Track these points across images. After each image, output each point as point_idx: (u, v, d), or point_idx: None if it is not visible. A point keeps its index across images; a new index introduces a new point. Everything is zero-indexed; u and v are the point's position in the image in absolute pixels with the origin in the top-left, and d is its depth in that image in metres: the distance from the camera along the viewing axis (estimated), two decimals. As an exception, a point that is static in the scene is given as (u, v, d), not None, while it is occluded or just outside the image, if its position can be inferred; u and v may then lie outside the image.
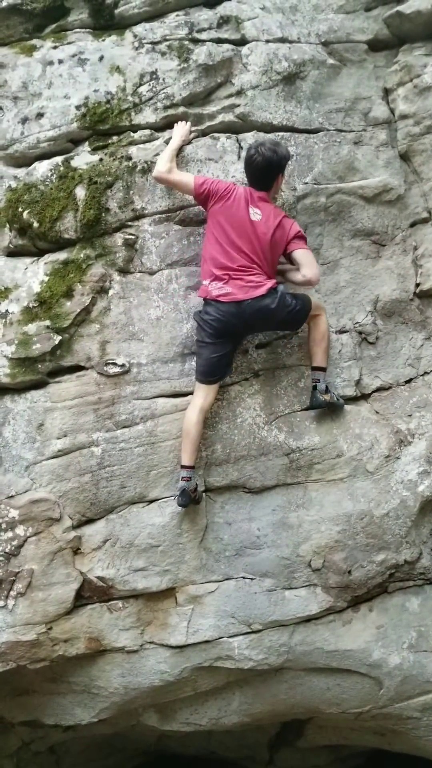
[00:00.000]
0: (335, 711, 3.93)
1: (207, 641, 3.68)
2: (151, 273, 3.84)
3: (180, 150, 3.84)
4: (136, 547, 3.64)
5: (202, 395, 3.61)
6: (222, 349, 3.60)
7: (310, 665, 3.77)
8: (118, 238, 3.83)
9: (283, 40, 4.00)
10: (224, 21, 3.99)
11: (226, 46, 3.95)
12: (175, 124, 3.87)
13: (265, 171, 3.60)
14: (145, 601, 3.70)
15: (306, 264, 3.60)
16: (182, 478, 3.57)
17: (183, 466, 3.60)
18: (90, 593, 3.66)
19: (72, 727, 4.06)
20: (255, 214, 3.57)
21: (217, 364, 3.61)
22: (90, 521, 3.68)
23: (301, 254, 3.61)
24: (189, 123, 3.88)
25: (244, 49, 3.96)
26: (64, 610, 3.61)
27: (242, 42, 3.99)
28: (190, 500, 3.58)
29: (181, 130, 3.83)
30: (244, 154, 3.85)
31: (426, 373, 4.01)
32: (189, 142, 3.86)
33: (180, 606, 3.68)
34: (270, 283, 3.55)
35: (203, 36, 3.96)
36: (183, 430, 3.59)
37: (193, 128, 3.91)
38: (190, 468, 3.59)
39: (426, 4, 4.00)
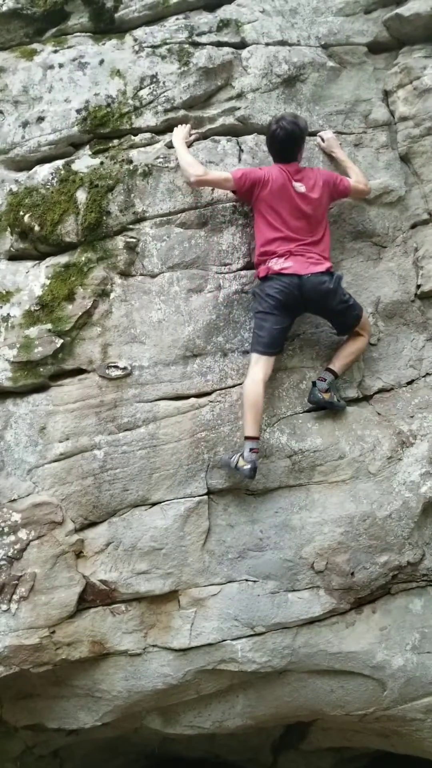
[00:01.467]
0: (339, 713, 3.92)
1: (210, 644, 3.67)
2: (153, 276, 3.84)
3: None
4: (138, 550, 3.64)
5: (263, 367, 3.62)
6: (283, 321, 3.64)
7: (314, 667, 3.76)
8: (120, 241, 3.84)
9: (282, 43, 4.02)
10: (224, 24, 4.01)
11: (226, 49, 3.97)
12: (175, 128, 3.88)
13: (289, 143, 3.66)
14: (148, 604, 3.69)
15: (358, 176, 3.83)
16: (251, 450, 3.53)
17: (249, 438, 3.55)
18: (93, 596, 3.65)
19: (75, 730, 4.05)
20: (299, 187, 3.63)
21: (278, 336, 3.65)
22: (92, 524, 3.68)
23: (352, 176, 3.82)
24: (188, 125, 3.88)
25: (244, 52, 3.98)
26: (67, 614, 3.60)
27: (242, 45, 4.01)
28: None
29: (180, 132, 3.84)
30: (244, 156, 3.88)
31: (428, 374, 4.01)
32: (190, 145, 3.87)
33: (183, 609, 3.68)
34: (328, 264, 3.66)
35: (203, 39, 3.98)
36: (248, 402, 3.57)
37: (194, 131, 3.92)
38: (256, 439, 3.57)
39: (425, 6, 4.03)
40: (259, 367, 3.62)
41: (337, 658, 3.73)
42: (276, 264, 3.61)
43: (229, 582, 3.69)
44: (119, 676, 3.75)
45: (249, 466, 3.53)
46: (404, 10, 4.07)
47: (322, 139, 3.95)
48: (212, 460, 3.68)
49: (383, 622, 3.76)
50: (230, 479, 3.71)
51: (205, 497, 3.70)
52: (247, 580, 3.69)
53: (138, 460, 3.66)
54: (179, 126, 3.88)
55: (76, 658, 3.66)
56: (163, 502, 3.68)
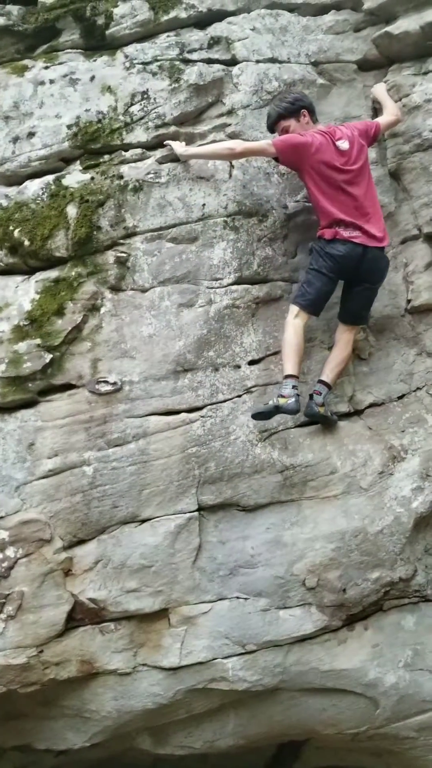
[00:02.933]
0: (332, 732, 3.87)
1: (201, 663, 3.62)
2: (144, 290, 3.83)
3: (173, 168, 3.87)
4: (128, 568, 3.60)
5: (303, 319, 3.68)
6: (332, 286, 3.72)
7: (306, 685, 3.72)
8: (110, 256, 3.83)
9: (273, 60, 4.06)
10: (215, 42, 4.04)
11: (217, 66, 4.00)
12: (172, 143, 3.89)
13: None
14: (138, 623, 3.64)
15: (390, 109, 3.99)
16: (293, 387, 3.53)
17: (290, 376, 3.56)
18: (82, 615, 3.60)
19: (64, 751, 3.98)
20: (342, 143, 3.70)
21: (324, 298, 3.72)
22: (81, 542, 3.63)
23: (384, 113, 4.00)
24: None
25: (235, 69, 4.01)
26: (55, 633, 3.55)
27: (233, 62, 4.04)
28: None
29: (179, 144, 3.88)
30: (235, 172, 3.89)
31: (418, 388, 4.02)
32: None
33: (173, 627, 3.63)
34: (387, 241, 3.76)
35: (194, 56, 4.01)
36: (288, 344, 3.62)
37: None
38: (296, 377, 3.58)
39: (414, 25, 4.07)
40: (299, 318, 3.68)
41: (329, 676, 3.69)
42: (345, 231, 3.66)
43: (220, 599, 3.65)
44: (108, 695, 3.69)
45: (293, 400, 3.50)
46: (393, 29, 4.12)
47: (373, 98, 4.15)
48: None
49: (375, 639, 3.73)
50: (222, 495, 3.68)
51: (196, 513, 3.67)
52: (238, 598, 3.66)
53: (128, 476, 3.63)
54: (173, 142, 3.88)
55: (65, 677, 3.60)
56: (154, 518, 3.64)
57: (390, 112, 3.98)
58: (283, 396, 3.55)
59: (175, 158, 3.92)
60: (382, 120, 3.95)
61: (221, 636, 3.63)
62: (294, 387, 3.57)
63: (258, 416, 3.64)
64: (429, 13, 4.06)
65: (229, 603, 3.65)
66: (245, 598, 3.66)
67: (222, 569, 3.66)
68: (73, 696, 3.71)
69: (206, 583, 3.65)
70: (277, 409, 3.56)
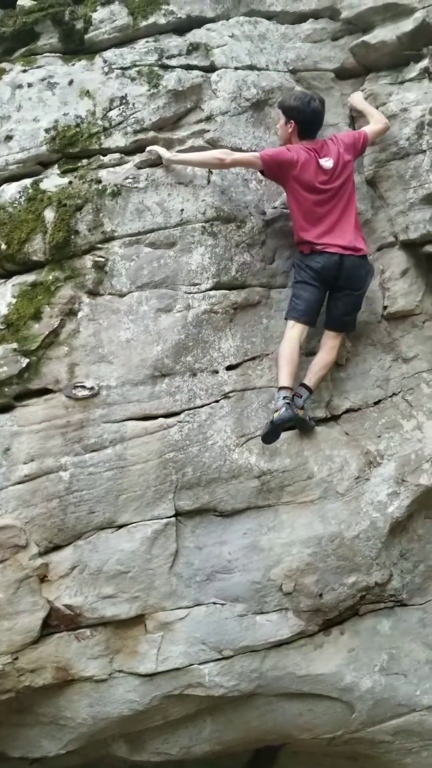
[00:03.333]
0: (308, 736, 3.89)
1: (177, 668, 3.62)
2: (121, 295, 3.82)
3: (151, 173, 3.87)
4: (104, 574, 3.58)
5: (298, 331, 3.75)
6: (319, 294, 3.80)
7: (282, 690, 3.73)
8: (88, 261, 3.81)
9: (251, 67, 4.07)
10: (194, 48, 4.05)
11: (196, 72, 4.01)
12: (154, 148, 3.87)
13: (320, 121, 3.84)
14: (114, 629, 3.63)
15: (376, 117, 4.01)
16: (283, 398, 3.62)
17: (282, 387, 3.66)
18: (57, 621, 3.58)
19: (39, 759, 3.94)
20: (326, 162, 3.75)
21: (314, 306, 3.79)
22: (57, 548, 3.60)
23: (370, 122, 4.00)
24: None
25: (214, 76, 4.02)
26: (30, 640, 3.52)
27: (211, 69, 4.05)
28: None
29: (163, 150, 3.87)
30: (214, 178, 3.90)
31: (394, 394, 4.06)
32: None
33: (150, 633, 3.62)
34: (366, 250, 3.82)
35: (173, 62, 4.01)
36: (283, 357, 3.72)
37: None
38: (289, 388, 3.66)
39: (390, 34, 4.12)
40: (295, 330, 3.75)
41: (305, 681, 3.70)
42: (319, 245, 3.76)
43: (197, 605, 3.65)
44: (84, 702, 3.67)
45: (283, 409, 3.58)
46: (370, 38, 4.16)
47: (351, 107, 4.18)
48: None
49: (351, 643, 3.75)
50: (199, 500, 3.68)
51: (173, 519, 3.66)
52: (215, 603, 3.66)
53: (105, 481, 3.61)
54: (155, 147, 3.87)
55: (40, 684, 3.58)
56: (130, 524, 3.63)
57: (377, 119, 4.00)
58: (276, 410, 3.63)
59: (153, 163, 3.92)
60: (370, 129, 3.96)
61: (198, 642, 3.62)
62: (285, 398, 3.64)
63: (266, 438, 3.68)
64: (405, 23, 4.11)
65: (206, 608, 3.65)
66: (222, 604, 3.66)
67: (199, 575, 3.66)
68: (48, 703, 3.68)
69: (183, 588, 3.65)
70: (273, 424, 3.62)
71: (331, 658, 3.71)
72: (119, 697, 3.64)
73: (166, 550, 3.63)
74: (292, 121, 3.80)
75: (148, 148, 3.90)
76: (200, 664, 3.62)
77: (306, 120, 3.80)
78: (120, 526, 3.64)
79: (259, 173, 3.90)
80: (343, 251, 3.75)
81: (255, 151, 3.96)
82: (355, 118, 4.20)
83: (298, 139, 3.83)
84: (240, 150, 3.96)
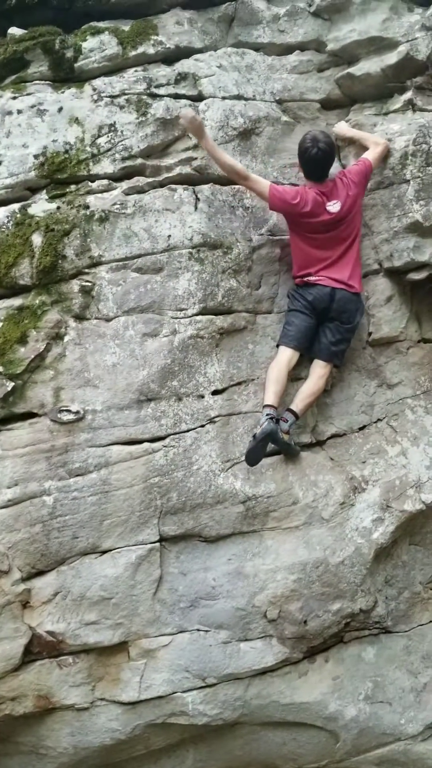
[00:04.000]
0: (292, 766, 3.85)
1: (160, 697, 3.58)
2: (108, 320, 3.84)
3: (139, 200, 3.91)
4: (87, 600, 3.55)
5: (287, 356, 3.85)
6: (310, 322, 3.88)
7: (266, 719, 3.69)
8: (75, 285, 3.83)
9: (239, 97, 4.14)
10: (182, 78, 4.11)
11: (184, 101, 4.06)
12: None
13: (325, 163, 3.83)
14: (97, 656, 3.59)
15: (372, 140, 4.03)
16: (267, 414, 3.68)
17: (266, 405, 3.73)
18: (39, 648, 3.54)
19: (19, 790, 3.88)
20: (333, 206, 3.81)
21: (304, 333, 3.88)
22: (40, 573, 3.57)
23: (369, 147, 4.02)
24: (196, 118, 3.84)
25: (201, 105, 4.08)
26: (11, 667, 3.48)
27: (199, 98, 4.11)
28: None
29: (192, 128, 3.82)
30: (201, 204, 3.93)
31: (379, 420, 4.08)
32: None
33: (133, 660, 3.59)
34: (359, 289, 3.93)
35: (161, 91, 4.07)
36: (270, 378, 3.81)
37: (151, 179, 3.99)
38: (272, 407, 3.72)
39: (375, 67, 4.21)
40: (284, 355, 3.85)
41: (289, 710, 3.67)
42: (312, 278, 3.88)
43: (181, 632, 3.62)
44: (65, 731, 3.62)
45: (265, 423, 3.65)
46: (355, 70, 4.25)
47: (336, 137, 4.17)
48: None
49: (336, 671, 3.73)
50: (184, 525, 3.67)
51: (158, 544, 3.65)
52: (199, 630, 3.63)
53: (89, 506, 3.60)
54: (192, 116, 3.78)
55: (21, 713, 3.53)
56: (114, 549, 3.61)
57: (374, 142, 4.02)
58: (260, 425, 3.69)
59: (141, 190, 3.96)
60: (371, 156, 3.97)
61: (181, 669, 3.59)
62: (268, 414, 3.70)
63: (249, 456, 3.70)
64: (390, 56, 4.20)
65: (190, 635, 3.62)
66: (206, 631, 3.63)
67: (183, 601, 3.63)
68: (28, 732, 3.62)
69: (167, 615, 3.62)
70: (255, 438, 3.67)
71: (316, 686, 3.69)
72: (101, 726, 3.60)
73: (150, 575, 3.61)
74: (299, 160, 3.89)
75: (182, 112, 3.86)
76: (183, 692, 3.59)
77: (306, 165, 3.85)
78: (104, 552, 3.62)
79: (245, 199, 3.95)
80: (335, 284, 3.84)
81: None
82: (341, 147, 4.27)
83: (306, 180, 3.90)
84: (227, 178, 4.01)
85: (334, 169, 3.96)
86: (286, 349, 3.87)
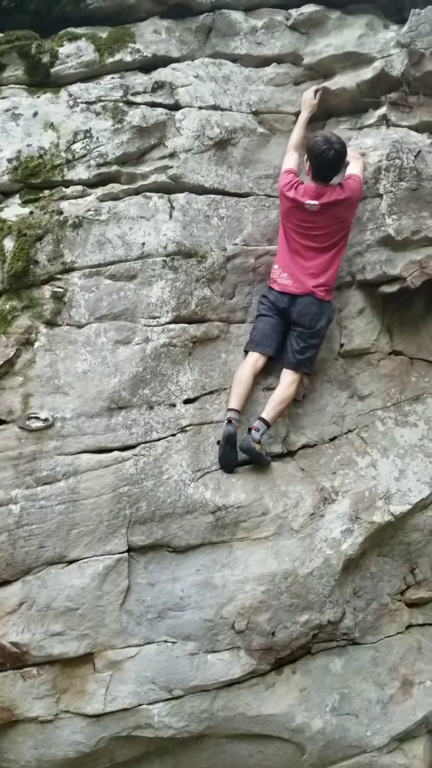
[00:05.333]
0: (258, 779, 3.82)
1: (126, 709, 3.53)
2: (80, 326, 3.81)
3: (113, 206, 3.89)
4: (53, 611, 3.50)
5: (252, 360, 3.89)
6: (275, 324, 3.93)
7: (232, 731, 3.67)
8: (46, 291, 3.80)
9: (215, 107, 4.15)
10: (159, 86, 4.11)
11: (160, 110, 4.06)
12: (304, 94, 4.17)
13: (335, 164, 3.86)
14: (62, 668, 3.53)
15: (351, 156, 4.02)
16: (227, 418, 3.72)
17: (229, 409, 3.77)
18: (3, 659, 3.47)
19: (-21, 805, 3.80)
20: (311, 205, 3.81)
21: (269, 335, 3.91)
22: (5, 583, 3.51)
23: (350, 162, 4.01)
24: (317, 92, 4.18)
25: (178, 114, 4.08)
26: (-27, 679, 3.42)
27: (176, 107, 4.12)
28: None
29: (307, 101, 4.15)
30: (176, 213, 3.93)
31: (350, 431, 4.10)
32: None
33: (98, 672, 3.54)
34: (324, 295, 3.91)
35: (138, 99, 4.06)
36: (234, 380, 3.86)
37: (126, 186, 3.97)
38: (234, 410, 3.75)
39: (350, 82, 4.26)
40: (249, 358, 3.90)
41: (256, 722, 3.65)
42: (279, 279, 3.93)
43: (148, 643, 3.59)
44: (28, 744, 3.55)
45: (225, 426, 3.73)
46: (331, 84, 4.29)
47: None
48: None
49: (303, 683, 3.72)
50: (153, 535, 3.64)
51: (126, 554, 3.61)
52: (166, 641, 3.60)
53: (56, 515, 3.55)
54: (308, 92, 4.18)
55: (-18, 726, 3.46)
56: (81, 559, 3.56)
57: (352, 155, 4.02)
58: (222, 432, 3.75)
59: (115, 197, 3.95)
60: (356, 169, 3.98)
61: (147, 681, 3.55)
62: (228, 418, 3.74)
63: (222, 463, 3.79)
64: (365, 71, 4.26)
65: (157, 647, 3.59)
66: (173, 642, 3.60)
67: (150, 612, 3.60)
68: (-10, 745, 3.55)
69: (134, 626, 3.58)
70: (218, 443, 3.75)
71: (283, 697, 3.67)
72: (65, 739, 3.54)
73: (117, 586, 3.57)
74: (308, 160, 3.90)
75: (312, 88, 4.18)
76: (149, 704, 3.55)
77: (313, 160, 3.85)
78: (70, 562, 3.57)
79: (220, 209, 4.02)
80: (295, 291, 3.88)
81: (217, 188, 4.06)
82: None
83: (310, 179, 3.91)
84: (203, 187, 4.04)
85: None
86: (252, 353, 3.92)
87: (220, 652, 3.62)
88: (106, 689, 3.53)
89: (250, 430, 3.77)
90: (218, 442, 3.77)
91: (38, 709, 3.50)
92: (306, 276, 3.88)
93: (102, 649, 3.55)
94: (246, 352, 3.96)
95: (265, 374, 3.97)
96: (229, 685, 3.63)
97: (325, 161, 3.81)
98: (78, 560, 3.56)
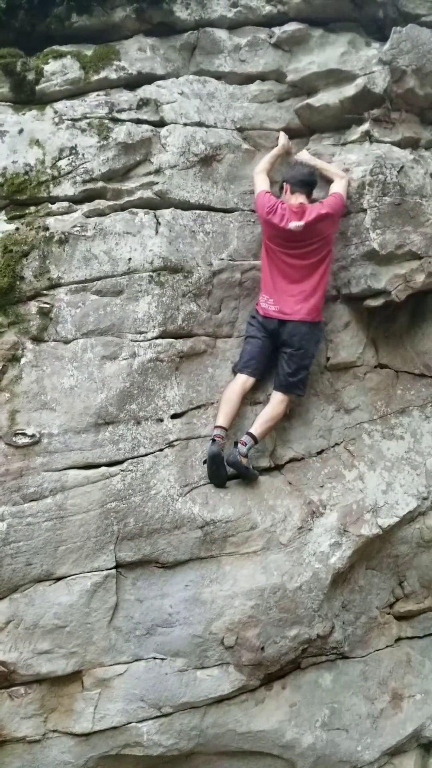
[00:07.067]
0: (248, 796, 3.79)
1: (114, 727, 3.50)
2: (66, 342, 3.80)
3: (99, 222, 3.90)
4: (41, 629, 3.47)
5: (240, 381, 3.92)
6: (263, 345, 3.96)
7: (222, 748, 3.64)
8: (33, 306, 3.80)
9: (200, 124, 4.19)
10: (144, 103, 4.14)
11: (146, 126, 4.09)
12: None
13: (310, 175, 4.06)
14: (50, 686, 3.50)
15: (333, 171, 4.15)
16: (214, 435, 3.74)
17: (216, 426, 3.79)
18: (-10, 679, 3.44)
19: None
20: (295, 226, 3.86)
21: (257, 357, 3.94)
22: (-8, 601, 3.50)
23: (335, 181, 4.10)
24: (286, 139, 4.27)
25: (163, 131, 4.11)
26: (-40, 700, 3.38)
27: (161, 124, 4.14)
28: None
29: (282, 140, 4.25)
30: (162, 229, 3.96)
31: (337, 444, 4.12)
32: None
33: (86, 690, 3.51)
34: (313, 317, 3.95)
35: (123, 116, 4.09)
36: (222, 399, 3.88)
37: (111, 202, 3.99)
38: (221, 427, 3.77)
39: (333, 98, 4.31)
40: (238, 379, 3.93)
41: (246, 738, 3.63)
42: (267, 306, 3.96)
43: (136, 660, 3.56)
44: (16, 764, 3.51)
45: (209, 444, 3.75)
46: (314, 101, 4.34)
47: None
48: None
49: (293, 698, 3.71)
50: (141, 551, 3.62)
51: (114, 571, 3.59)
52: (155, 658, 3.58)
53: (43, 532, 3.53)
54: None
55: (-31, 748, 3.42)
56: (69, 576, 3.54)
57: (336, 174, 4.10)
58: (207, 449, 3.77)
59: (101, 213, 3.96)
60: (341, 188, 4.03)
61: (136, 699, 3.52)
62: (213, 435, 3.76)
63: (211, 479, 3.80)
64: (348, 88, 4.30)
65: (146, 664, 3.57)
66: (162, 659, 3.58)
67: (139, 629, 3.58)
68: (-23, 767, 3.51)
69: (122, 643, 3.56)
70: (205, 462, 3.77)
71: (273, 713, 3.66)
72: (53, 759, 3.50)
73: (105, 603, 3.55)
74: (286, 183, 4.05)
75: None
76: (138, 722, 3.52)
77: (291, 174, 4.03)
78: (58, 579, 3.54)
79: (205, 224, 4.06)
80: (283, 316, 3.91)
81: (203, 204, 4.10)
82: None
83: (290, 195, 4.01)
84: (188, 203, 4.06)
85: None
86: (240, 374, 3.96)
87: (209, 668, 3.60)
88: (95, 707, 3.49)
89: (236, 443, 3.77)
90: (204, 462, 3.78)
91: (26, 729, 3.47)
92: (294, 302, 3.91)
93: (90, 667, 3.52)
94: (234, 372, 3.99)
95: (254, 390, 3.98)
96: (219, 702, 3.61)
97: (300, 172, 4.01)
98: (65, 577, 3.54)
